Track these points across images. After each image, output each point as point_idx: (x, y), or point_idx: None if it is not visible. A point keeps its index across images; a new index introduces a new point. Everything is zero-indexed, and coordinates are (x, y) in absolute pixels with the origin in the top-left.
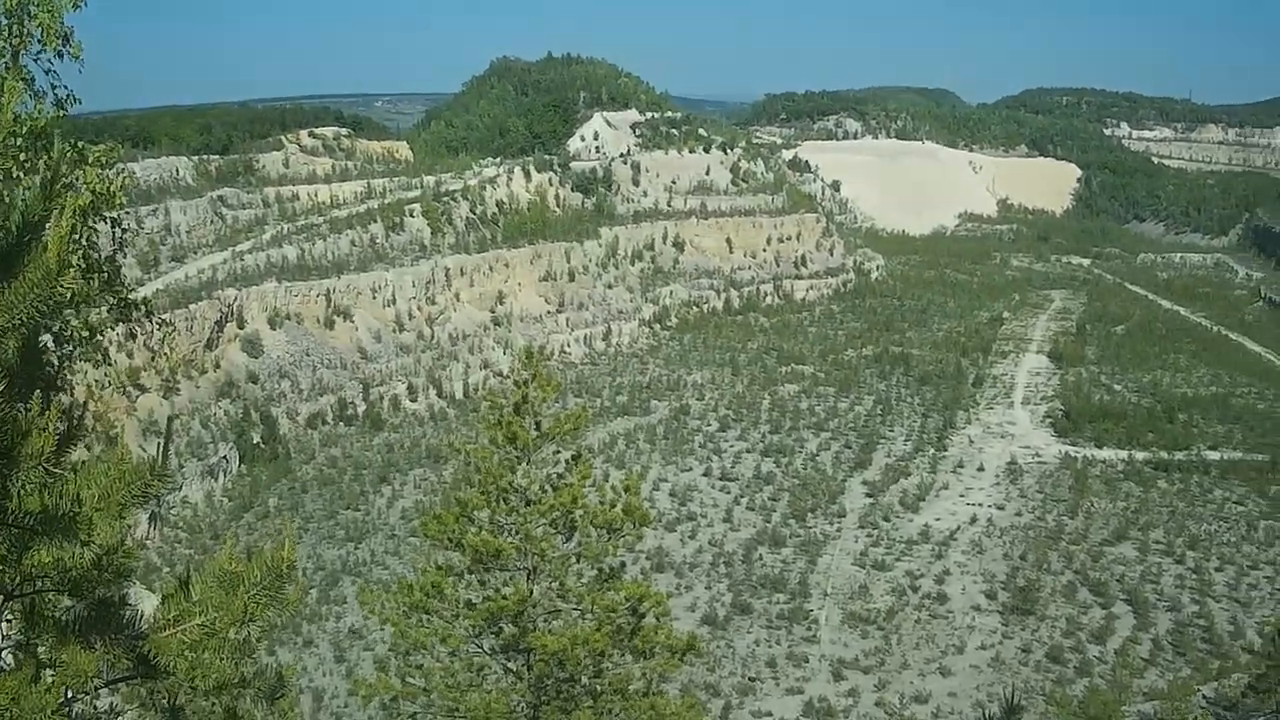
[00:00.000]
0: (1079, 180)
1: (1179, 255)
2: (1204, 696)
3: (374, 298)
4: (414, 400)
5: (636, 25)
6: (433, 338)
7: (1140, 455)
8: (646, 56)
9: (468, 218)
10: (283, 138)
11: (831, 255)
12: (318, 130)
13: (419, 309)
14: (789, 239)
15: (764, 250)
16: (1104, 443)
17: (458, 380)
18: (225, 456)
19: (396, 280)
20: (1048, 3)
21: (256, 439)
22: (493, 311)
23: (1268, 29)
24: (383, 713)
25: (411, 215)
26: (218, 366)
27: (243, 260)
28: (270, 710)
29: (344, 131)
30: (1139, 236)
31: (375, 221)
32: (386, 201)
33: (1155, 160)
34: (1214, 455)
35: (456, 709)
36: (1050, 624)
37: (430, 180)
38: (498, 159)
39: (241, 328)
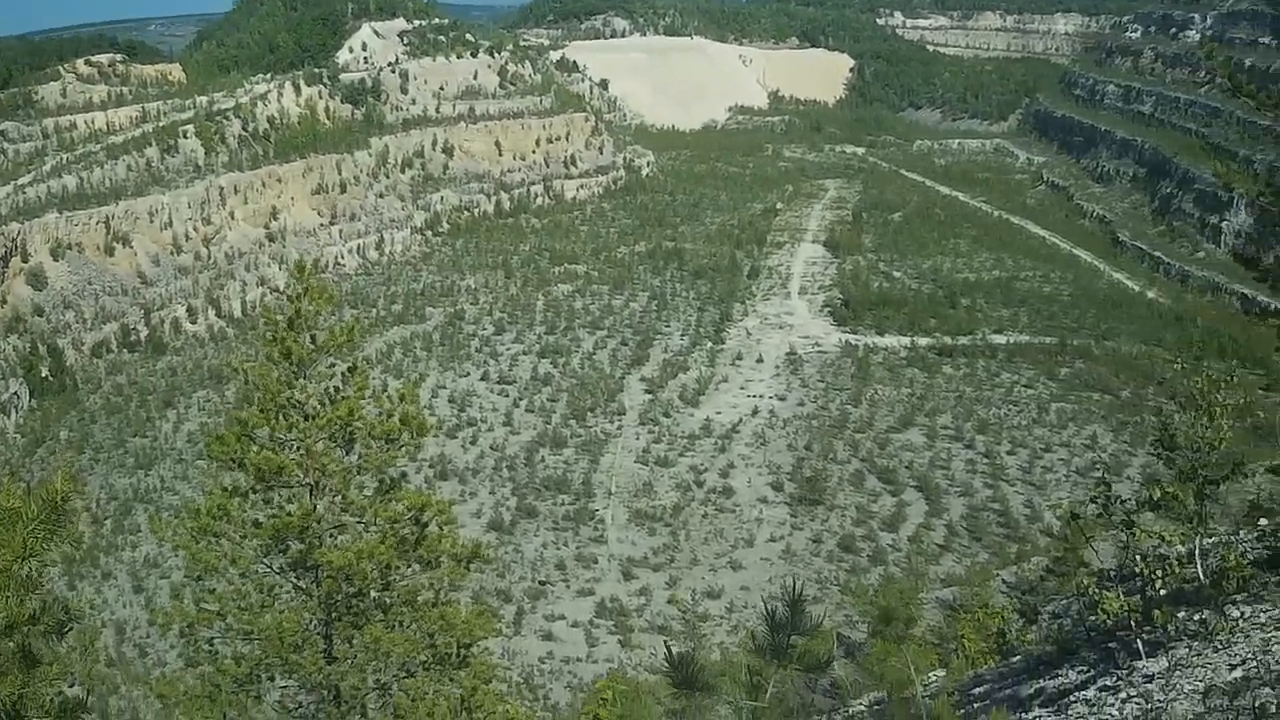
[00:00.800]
0: (852, 70)
1: (956, 141)
2: (1003, 581)
3: (151, 221)
4: (194, 322)
5: None
6: (210, 258)
7: (923, 341)
8: None
9: (240, 135)
10: (60, 68)
11: (601, 154)
12: (94, 58)
13: (195, 230)
14: (558, 139)
15: (533, 152)
16: (885, 330)
17: (236, 299)
18: (16, 392)
19: (173, 203)
20: None
21: (45, 372)
22: (267, 228)
23: None
24: (182, 640)
25: (185, 136)
26: (4, 302)
27: (24, 193)
28: (62, 645)
29: (119, 58)
30: (915, 124)
31: (150, 145)
32: (160, 124)
33: (931, 48)
34: (1000, 339)
35: (251, 631)
36: (840, 513)
37: (203, 100)
38: (268, 75)
39: (26, 261)
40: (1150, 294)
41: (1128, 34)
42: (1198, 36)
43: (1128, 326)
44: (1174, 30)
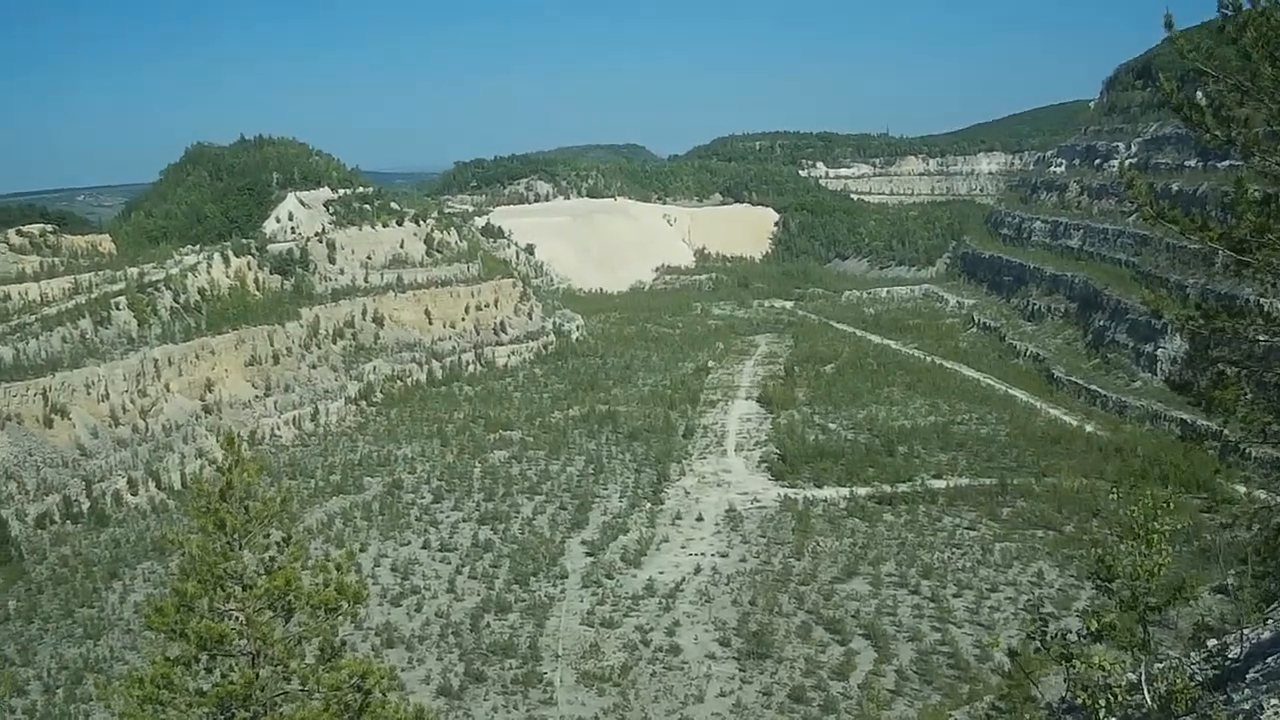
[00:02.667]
0: (776, 224)
1: (885, 290)
2: None
3: (88, 393)
4: (135, 494)
5: (325, 102)
6: (147, 430)
7: (862, 491)
8: (337, 132)
9: (172, 307)
10: None
11: (530, 319)
12: (24, 228)
13: (132, 402)
14: (487, 306)
15: (463, 319)
16: (823, 482)
17: (175, 471)
18: None
19: (108, 374)
20: (737, 53)
21: None
22: (203, 400)
23: (961, 60)
24: None
25: (118, 308)
26: None
27: None
28: None
29: (50, 228)
30: (842, 275)
31: (84, 317)
32: (93, 296)
33: (855, 197)
34: (939, 484)
35: None
36: (789, 665)
37: (134, 272)
38: (197, 246)
39: None
40: (1089, 428)
41: (1052, 169)
42: (1121, 166)
43: (1067, 462)
44: (1098, 161)
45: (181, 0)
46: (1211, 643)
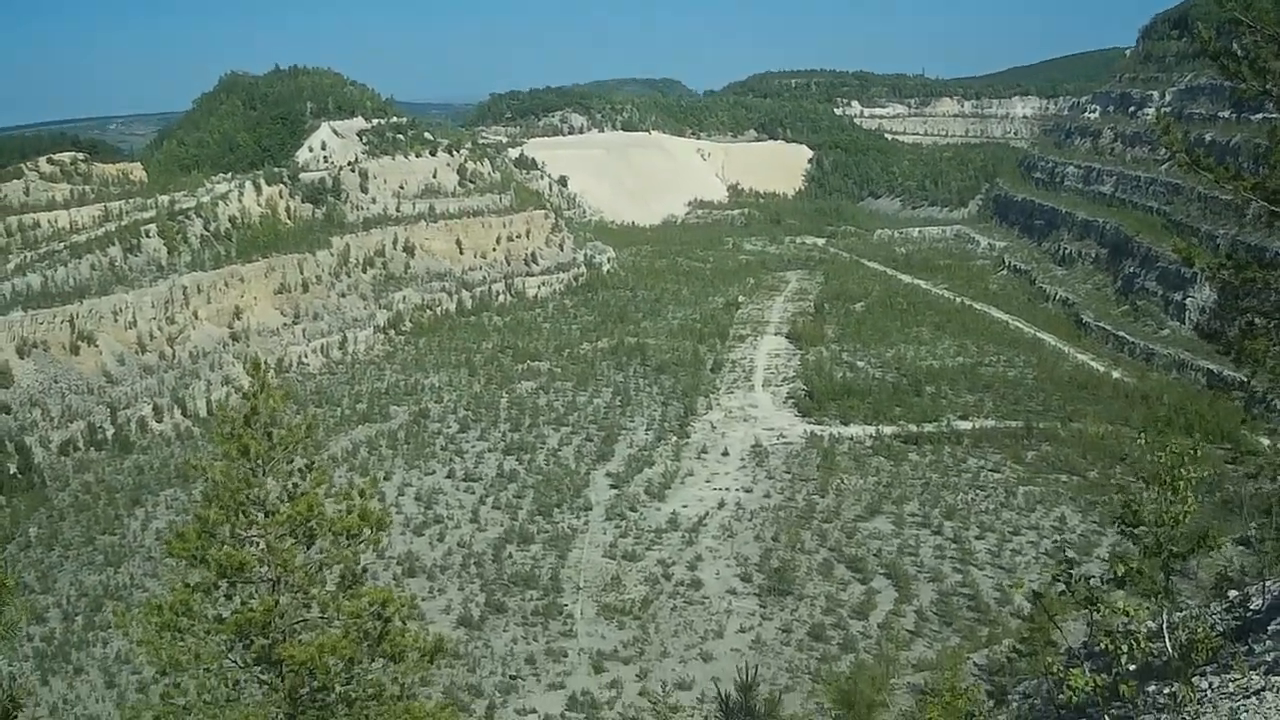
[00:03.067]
0: (810, 161)
1: (917, 230)
2: (974, 664)
3: (116, 320)
4: (160, 421)
5: (361, 32)
6: (174, 357)
7: (888, 430)
8: (372, 63)
9: (202, 235)
10: (22, 166)
11: (562, 250)
12: (56, 157)
13: (160, 329)
14: (518, 237)
15: (494, 250)
16: (850, 420)
17: (201, 398)
18: None
19: (136, 302)
20: None
21: (12, 469)
22: (231, 327)
23: (999, 4)
24: None
25: (148, 236)
26: None
27: None
28: None
29: (80, 156)
30: (875, 213)
31: (113, 244)
32: (123, 224)
33: (889, 137)
34: (965, 425)
35: None
36: (809, 603)
37: (165, 200)
38: (229, 174)
39: None
40: (1115, 374)
41: (1086, 114)
42: (1156, 114)
43: (1093, 407)
44: (1132, 109)
45: None
46: (1233, 594)
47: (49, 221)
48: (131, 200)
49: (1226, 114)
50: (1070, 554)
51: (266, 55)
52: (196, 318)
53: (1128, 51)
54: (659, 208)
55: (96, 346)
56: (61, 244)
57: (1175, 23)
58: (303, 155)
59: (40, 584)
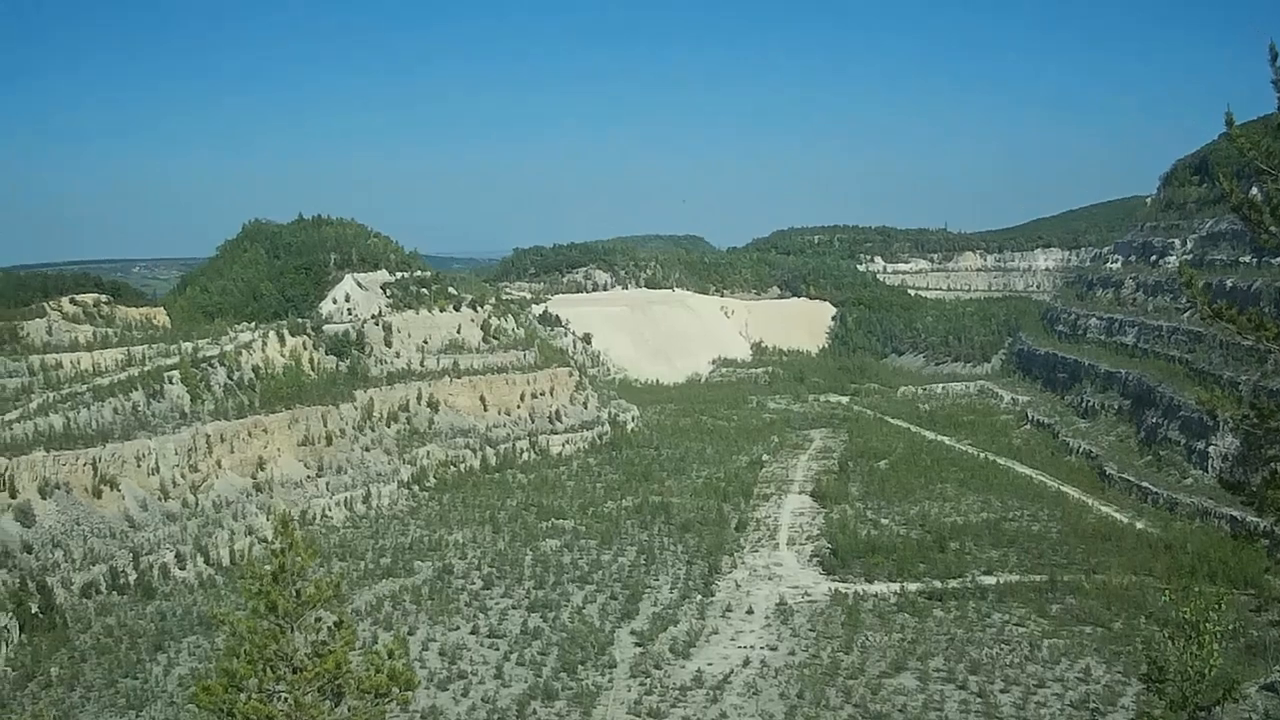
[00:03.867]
0: (834, 318)
1: (940, 386)
2: None
3: (139, 466)
4: (183, 568)
5: (386, 183)
6: (197, 505)
7: (913, 586)
8: (396, 214)
9: (225, 384)
10: (45, 305)
11: (586, 408)
12: (79, 297)
13: (182, 476)
14: (542, 394)
15: (518, 407)
16: (874, 577)
17: (224, 547)
18: (6, 626)
19: (159, 448)
20: (801, 144)
21: (34, 608)
22: (254, 477)
23: (1020, 156)
24: None
25: (171, 382)
26: None
27: (11, 429)
28: None
29: (104, 298)
30: (898, 370)
31: (136, 389)
32: (146, 369)
33: (912, 292)
34: (989, 580)
35: None
36: None
37: (188, 346)
38: (252, 323)
39: (14, 497)
40: (1139, 524)
41: (1108, 265)
42: (1178, 262)
43: (1117, 559)
44: (1154, 257)
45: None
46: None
47: (71, 362)
48: (155, 345)
49: (1248, 259)
50: (1092, 705)
51: (291, 203)
52: (219, 466)
53: (1149, 199)
54: (683, 365)
55: (119, 491)
56: (84, 385)
57: (1196, 168)
58: (326, 306)
59: None
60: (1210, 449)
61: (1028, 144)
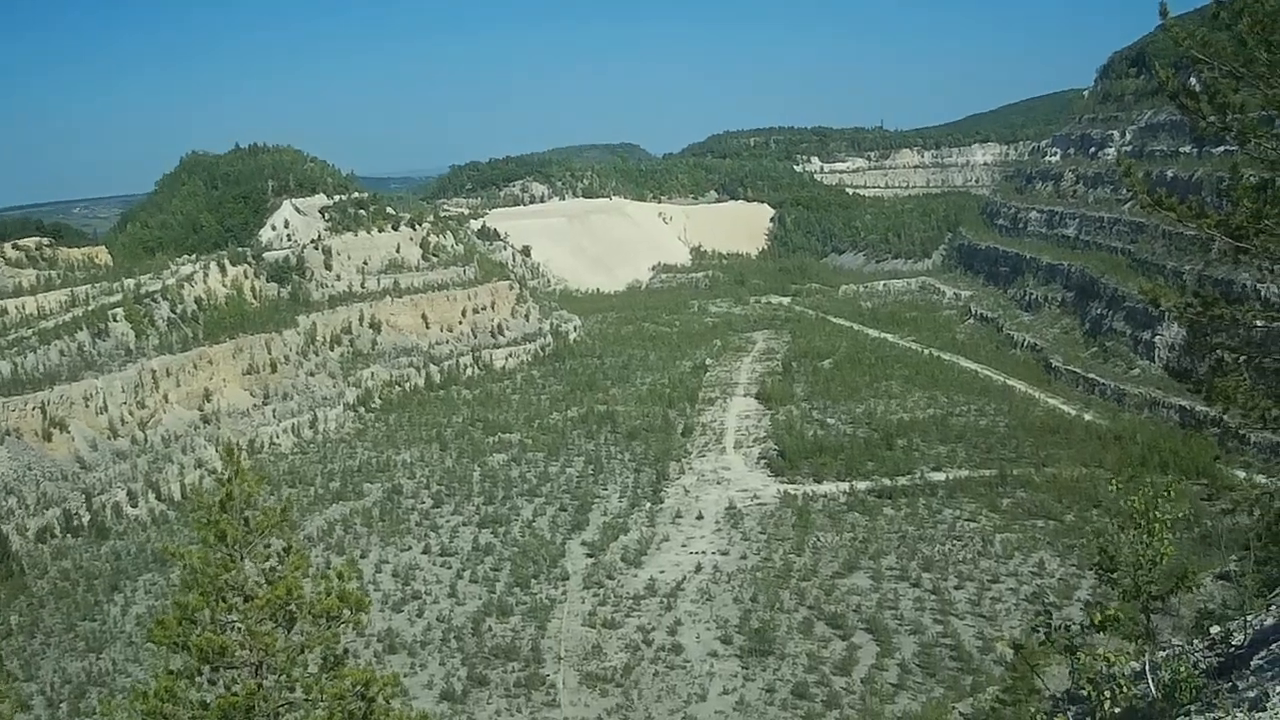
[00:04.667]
0: (772, 220)
1: (882, 283)
2: (960, 714)
3: (87, 406)
4: (135, 506)
5: (320, 107)
6: (146, 441)
7: (862, 485)
8: (332, 138)
9: (169, 318)
10: None
11: (528, 321)
12: (20, 242)
13: (131, 414)
14: (484, 309)
15: (460, 323)
16: (823, 477)
17: (174, 482)
18: None
19: (106, 387)
20: (731, 51)
21: None
22: (201, 410)
23: (955, 53)
24: None
25: (115, 320)
26: None
27: None
28: None
29: (46, 241)
30: (839, 269)
31: (81, 329)
32: (90, 309)
33: (850, 191)
34: (939, 476)
35: None
36: (791, 662)
37: (131, 283)
38: (193, 256)
39: None
40: (1088, 416)
41: (1047, 158)
42: (1117, 154)
43: (1067, 451)
44: (1093, 150)
45: (174, 8)
46: (1215, 630)
47: (16, 308)
48: (98, 285)
49: (1188, 149)
50: (1049, 603)
51: (227, 133)
52: (167, 401)
53: (1086, 92)
54: (623, 273)
55: (69, 433)
56: (30, 330)
57: (1133, 61)
58: (266, 234)
59: (23, 671)
60: (1156, 339)
61: (963, 41)
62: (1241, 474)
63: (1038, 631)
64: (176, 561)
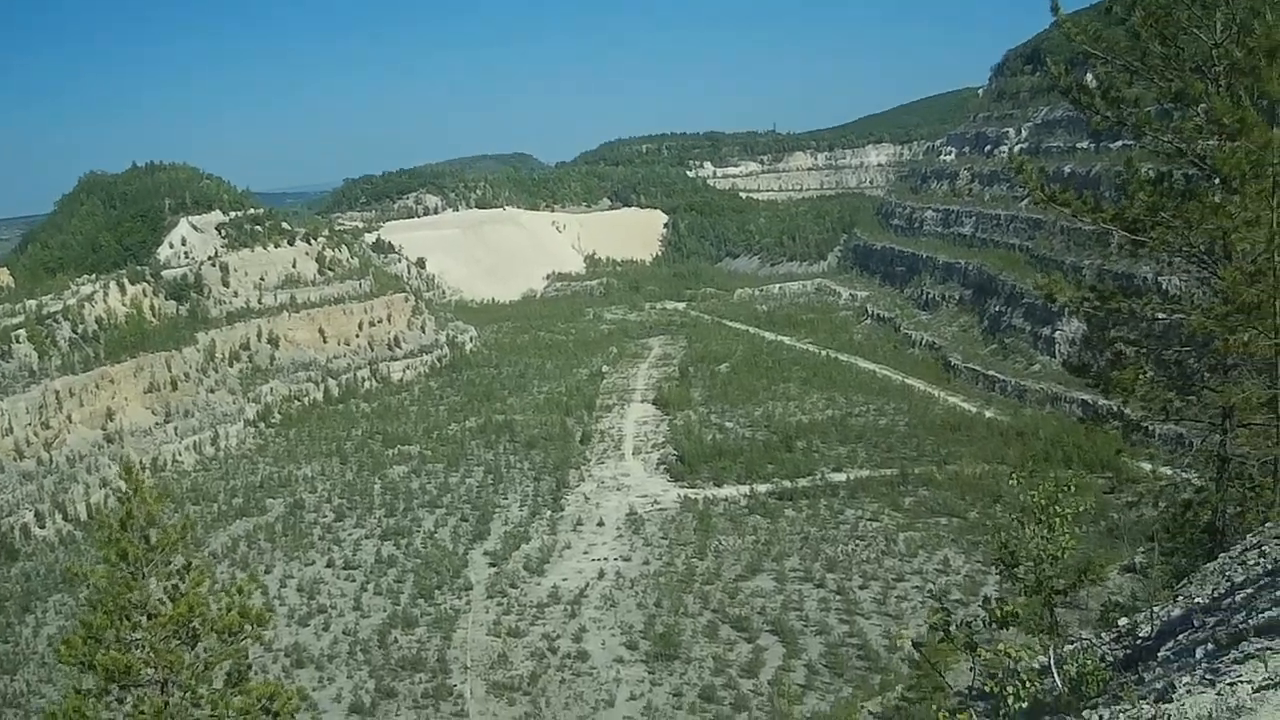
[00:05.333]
0: (666, 226)
1: (777, 286)
2: (869, 713)
3: None
4: (42, 527)
5: (215, 125)
6: (52, 462)
7: (763, 488)
8: (227, 155)
9: (70, 338)
10: None
11: (424, 333)
12: None
13: (35, 434)
14: (380, 322)
15: (357, 336)
16: (723, 481)
17: (80, 502)
18: None
19: (10, 408)
20: (621, 57)
21: None
22: (105, 429)
23: (847, 53)
24: None
25: (18, 341)
26: None
27: None
28: None
29: None
30: (734, 273)
31: None
32: None
33: (744, 195)
34: (839, 477)
35: None
36: (697, 665)
37: (32, 304)
38: (93, 275)
39: None
40: (989, 413)
41: (941, 157)
42: (1011, 152)
43: (968, 448)
44: (988, 148)
45: (69, 26)
46: (1122, 622)
47: None
48: (0, 306)
49: (1085, 145)
50: (953, 597)
51: (124, 153)
52: (70, 421)
53: (981, 91)
54: (517, 283)
55: None
56: None
57: (1028, 57)
58: (164, 252)
59: None
60: (1056, 335)
61: (855, 41)
62: (1147, 466)
63: (937, 630)
64: (82, 582)
